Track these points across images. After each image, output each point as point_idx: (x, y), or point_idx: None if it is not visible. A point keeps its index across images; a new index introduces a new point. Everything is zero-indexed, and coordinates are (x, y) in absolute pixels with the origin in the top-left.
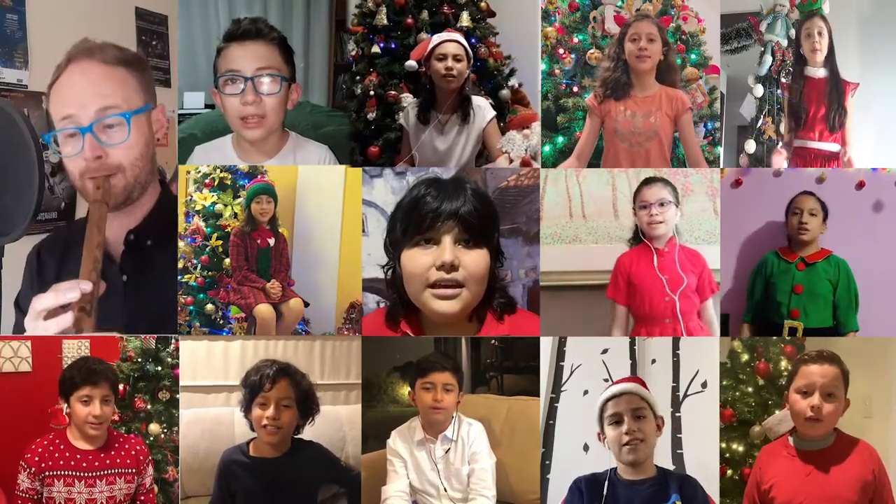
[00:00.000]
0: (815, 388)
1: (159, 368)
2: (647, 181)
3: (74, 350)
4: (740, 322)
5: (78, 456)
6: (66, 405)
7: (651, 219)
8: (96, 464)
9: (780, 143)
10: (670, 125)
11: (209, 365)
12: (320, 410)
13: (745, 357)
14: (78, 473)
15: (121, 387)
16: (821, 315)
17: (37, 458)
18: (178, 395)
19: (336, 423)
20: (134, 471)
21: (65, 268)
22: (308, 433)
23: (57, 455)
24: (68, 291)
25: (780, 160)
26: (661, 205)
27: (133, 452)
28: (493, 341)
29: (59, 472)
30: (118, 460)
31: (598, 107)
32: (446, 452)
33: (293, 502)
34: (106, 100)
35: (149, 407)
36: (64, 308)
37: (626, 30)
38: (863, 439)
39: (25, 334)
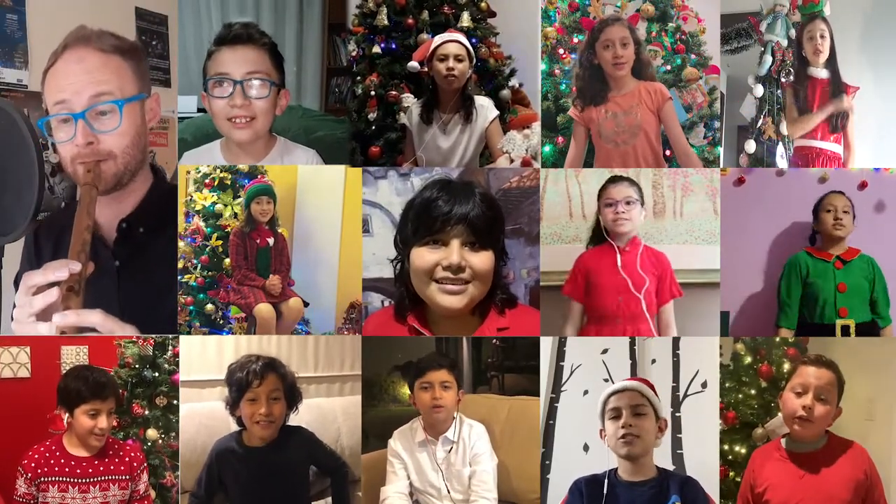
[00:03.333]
0: (810, 388)
1: (157, 374)
2: (613, 179)
3: (73, 356)
4: (774, 329)
5: (73, 462)
6: (66, 414)
7: (617, 216)
8: (90, 470)
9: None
10: (655, 120)
11: (203, 360)
12: (303, 399)
13: (748, 359)
14: (72, 479)
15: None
16: (861, 312)
17: (33, 465)
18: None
19: (330, 415)
20: (128, 477)
21: (60, 249)
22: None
23: (52, 461)
24: (57, 270)
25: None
26: (628, 203)
27: (127, 459)
28: (494, 341)
29: (53, 479)
30: (112, 467)
31: (580, 116)
32: (448, 453)
33: (287, 487)
34: (100, 86)
35: (146, 412)
36: (52, 286)
37: (598, 35)
38: (855, 441)
39: (14, 311)
